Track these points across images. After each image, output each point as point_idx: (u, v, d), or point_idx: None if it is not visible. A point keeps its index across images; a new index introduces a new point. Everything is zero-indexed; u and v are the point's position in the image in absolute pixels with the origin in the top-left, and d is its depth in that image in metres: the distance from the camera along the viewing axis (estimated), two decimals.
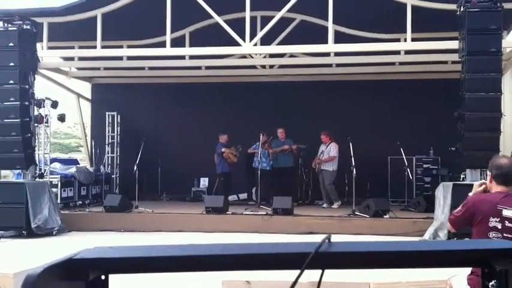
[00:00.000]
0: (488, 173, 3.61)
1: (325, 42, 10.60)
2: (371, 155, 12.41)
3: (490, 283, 1.11)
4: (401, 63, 12.78)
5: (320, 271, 1.03)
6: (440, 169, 12.65)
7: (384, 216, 10.25)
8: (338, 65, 13.21)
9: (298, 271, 0.95)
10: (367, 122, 13.44)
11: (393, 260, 1.06)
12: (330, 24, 10.44)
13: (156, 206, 11.83)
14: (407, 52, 11.66)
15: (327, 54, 12.27)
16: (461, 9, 9.26)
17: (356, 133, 11.79)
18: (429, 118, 12.88)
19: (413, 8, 10.26)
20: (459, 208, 3.63)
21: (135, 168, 11.58)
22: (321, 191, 12.44)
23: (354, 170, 10.69)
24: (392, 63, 12.88)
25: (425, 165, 12.88)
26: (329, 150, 12.14)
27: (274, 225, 10.02)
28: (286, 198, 10.83)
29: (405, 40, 10.69)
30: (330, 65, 13.32)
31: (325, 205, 12.23)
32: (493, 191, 3.53)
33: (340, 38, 11.20)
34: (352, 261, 1.04)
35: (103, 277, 0.99)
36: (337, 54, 12.17)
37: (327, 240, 1.01)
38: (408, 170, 11.53)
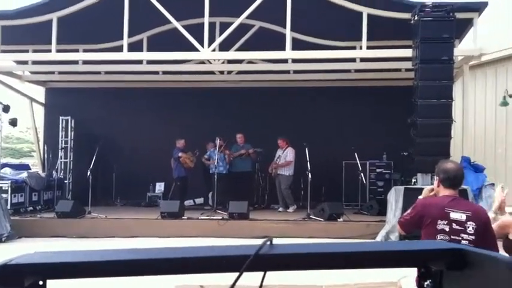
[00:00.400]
0: (436, 177, 3.70)
1: (283, 48, 10.69)
2: (326, 159, 12.59)
3: (426, 283, 1.15)
4: (356, 71, 13.02)
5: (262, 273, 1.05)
6: (393, 173, 12.92)
7: (338, 219, 10.40)
8: (295, 72, 13.34)
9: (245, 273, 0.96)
10: (323, 128, 13.61)
11: (333, 261, 1.08)
12: (287, 31, 10.55)
13: (110, 212, 11.62)
14: (363, 60, 11.89)
15: (285, 61, 12.39)
16: (415, 18, 9.50)
17: (312, 138, 11.92)
18: (383, 124, 13.14)
19: (369, 16, 10.48)
20: (408, 211, 3.71)
21: (88, 173, 11.36)
22: (277, 195, 12.51)
23: (310, 174, 10.81)
24: (348, 71, 13.11)
25: (378, 170, 13.13)
26: (285, 155, 12.24)
27: (230, 230, 10.02)
28: (242, 203, 10.84)
29: (361, 48, 10.90)
30: (287, 72, 13.44)
31: (280, 209, 12.31)
32: (441, 195, 3.63)
33: (298, 45, 11.34)
34: (293, 262, 1.06)
35: (41, 283, 0.97)
36: (294, 60, 12.31)
37: (268, 243, 1.02)
38: (362, 174, 11.74)
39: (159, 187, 14.08)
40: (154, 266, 0.98)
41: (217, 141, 12.25)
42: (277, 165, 12.31)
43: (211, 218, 10.78)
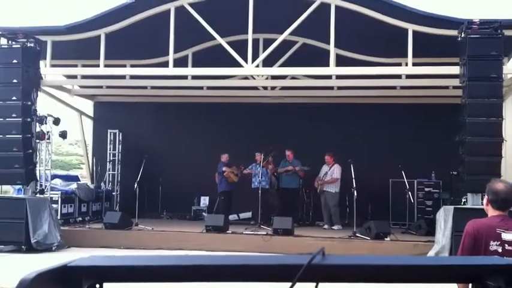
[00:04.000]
0: (486, 196, 3.60)
1: (327, 65, 10.66)
2: (372, 177, 12.37)
3: None
4: (402, 87, 12.83)
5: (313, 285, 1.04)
6: (442, 193, 12.61)
7: (385, 238, 10.20)
8: (340, 88, 13.26)
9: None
10: (369, 145, 13.43)
11: (387, 274, 1.06)
12: (331, 48, 10.52)
13: (156, 224, 11.78)
14: (409, 76, 11.72)
15: (329, 77, 12.34)
16: (462, 35, 9.32)
17: (357, 155, 11.79)
18: (431, 142, 12.88)
19: (415, 33, 10.34)
20: (461, 242, 3.55)
21: (135, 185, 11.58)
22: (322, 212, 12.37)
23: (355, 192, 10.66)
24: (394, 87, 12.94)
25: (426, 189, 12.84)
26: (332, 171, 12.13)
27: (275, 246, 9.96)
28: (286, 219, 10.80)
29: (406, 64, 10.76)
30: (331, 88, 13.37)
31: (326, 226, 12.17)
32: (490, 215, 3.52)
33: (341, 61, 11.28)
34: (347, 274, 1.04)
35: (97, 286, 0.99)
36: (338, 77, 12.25)
37: (321, 253, 1.01)
38: (409, 193, 11.50)
39: (204, 201, 14.20)
40: (213, 272, 0.98)
41: (258, 157, 12.30)
42: (323, 182, 12.20)
43: (256, 233, 10.76)
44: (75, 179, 15.07)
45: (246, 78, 13.12)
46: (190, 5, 10.81)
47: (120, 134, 14.82)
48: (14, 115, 10.32)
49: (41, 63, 11.36)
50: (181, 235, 10.76)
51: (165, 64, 11.41)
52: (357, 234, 10.44)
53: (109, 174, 14.63)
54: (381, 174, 12.63)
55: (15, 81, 10.34)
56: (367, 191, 11.43)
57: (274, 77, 13.02)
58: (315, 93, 13.70)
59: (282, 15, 10.78)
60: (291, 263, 0.97)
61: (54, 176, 13.10)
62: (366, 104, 13.75)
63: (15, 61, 10.38)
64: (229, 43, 11.11)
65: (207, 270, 0.98)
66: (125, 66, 12.90)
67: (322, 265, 0.99)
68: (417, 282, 1.08)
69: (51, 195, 11.57)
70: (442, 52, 10.97)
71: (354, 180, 10.77)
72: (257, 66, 11.13)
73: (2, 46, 10.64)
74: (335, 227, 11.95)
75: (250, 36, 10.72)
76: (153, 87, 13.94)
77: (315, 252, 0.99)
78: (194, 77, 12.83)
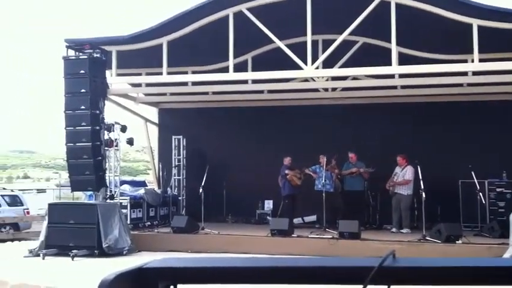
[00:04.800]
0: None
1: (388, 64, 10.46)
2: (441, 178, 11.99)
3: None
4: (469, 84, 12.40)
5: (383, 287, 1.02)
6: None
7: (457, 241, 9.85)
8: (403, 87, 12.95)
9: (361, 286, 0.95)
10: (436, 145, 13.05)
11: (462, 276, 1.03)
12: (393, 46, 10.31)
13: (222, 228, 11.93)
14: (475, 73, 11.30)
15: (391, 76, 12.10)
16: None
17: (424, 156, 11.51)
18: (501, 140, 12.37)
19: (480, 28, 9.96)
20: None
21: (200, 190, 11.77)
22: (392, 214, 12.07)
23: (423, 193, 10.37)
24: (460, 85, 12.52)
25: (498, 189, 12.29)
26: (404, 173, 11.85)
27: (341, 249, 9.87)
28: (352, 222, 10.65)
29: (472, 61, 10.39)
30: (394, 87, 13.09)
31: (394, 229, 11.85)
32: None
33: (403, 59, 11.04)
34: (418, 277, 1.02)
35: (171, 287, 1.02)
36: (401, 76, 11.98)
37: (391, 255, 1.00)
38: (481, 194, 11.03)
39: (268, 204, 14.23)
40: (285, 274, 0.98)
41: (321, 159, 12.21)
42: (395, 183, 11.93)
43: (322, 236, 10.68)
44: (142, 184, 15.50)
45: (306, 80, 13.07)
46: (248, 9, 10.90)
47: (184, 140, 15.11)
48: (83, 124, 10.76)
49: (107, 72, 11.78)
50: (247, 239, 10.84)
51: (225, 69, 11.56)
52: (427, 238, 10.15)
53: (174, 179, 14.94)
54: (449, 175, 12.24)
55: (83, 90, 10.78)
56: (435, 192, 11.12)
57: (334, 78, 12.91)
58: (378, 93, 13.44)
59: (340, 15, 10.68)
60: (362, 265, 0.96)
61: (122, 182, 13.51)
62: (431, 102, 13.38)
63: (82, 71, 10.83)
64: (288, 46, 11.11)
65: (277, 272, 0.99)
66: (186, 73, 13.16)
67: (394, 267, 0.98)
68: (493, 285, 1.04)
69: (121, 201, 11.93)
70: (510, 47, 10.52)
71: (421, 182, 10.48)
72: (317, 68, 11.07)
73: (70, 57, 11.10)
74: (403, 231, 11.63)
75: (309, 38, 10.67)
76: (214, 93, 14.15)
77: (385, 255, 0.97)
78: (254, 81, 12.92)
